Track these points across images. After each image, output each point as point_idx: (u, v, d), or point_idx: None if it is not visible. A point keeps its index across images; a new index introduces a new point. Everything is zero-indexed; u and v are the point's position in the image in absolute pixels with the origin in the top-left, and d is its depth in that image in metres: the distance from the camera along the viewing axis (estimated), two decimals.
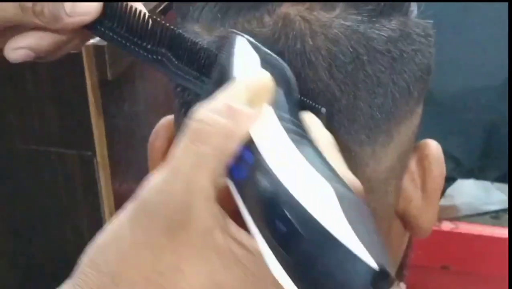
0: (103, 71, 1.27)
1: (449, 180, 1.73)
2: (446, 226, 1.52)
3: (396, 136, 0.44)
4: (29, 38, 0.43)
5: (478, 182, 2.01)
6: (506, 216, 1.89)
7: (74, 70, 1.28)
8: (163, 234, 0.34)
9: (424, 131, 0.48)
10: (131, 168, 1.42)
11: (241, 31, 0.41)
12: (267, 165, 0.33)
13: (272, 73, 0.37)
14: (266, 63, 0.38)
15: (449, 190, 1.88)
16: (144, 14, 0.42)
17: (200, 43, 0.41)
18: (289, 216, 0.32)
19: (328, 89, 0.41)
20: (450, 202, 2.04)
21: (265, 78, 0.36)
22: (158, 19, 0.42)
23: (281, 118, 0.36)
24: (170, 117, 0.48)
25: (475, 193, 2.11)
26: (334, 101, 0.41)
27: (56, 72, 1.30)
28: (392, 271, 0.32)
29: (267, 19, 0.41)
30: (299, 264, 0.32)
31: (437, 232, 1.53)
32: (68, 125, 1.34)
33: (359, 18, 0.41)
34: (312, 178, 0.33)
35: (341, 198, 0.32)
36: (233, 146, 0.34)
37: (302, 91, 0.40)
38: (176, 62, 0.41)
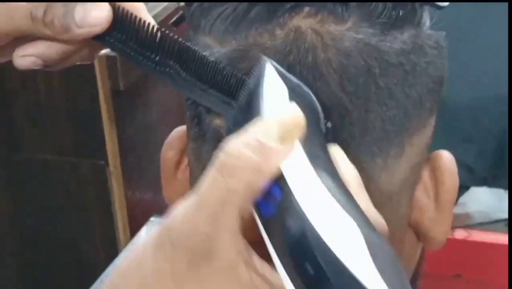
0: (115, 81, 1.28)
1: (462, 188, 1.72)
2: (459, 234, 1.52)
3: (408, 148, 0.44)
4: (37, 46, 0.43)
5: (491, 190, 2.00)
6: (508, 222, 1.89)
7: (87, 81, 1.29)
8: (186, 264, 0.34)
9: (437, 140, 0.48)
10: (144, 177, 1.43)
11: (253, 44, 0.41)
12: (297, 203, 0.33)
13: (300, 105, 0.37)
14: (294, 94, 0.38)
15: (462, 198, 1.87)
16: (153, 26, 0.42)
17: (208, 56, 0.41)
18: (318, 259, 0.32)
19: (340, 102, 0.41)
20: (463, 210, 2.03)
21: (297, 115, 0.36)
22: (167, 31, 0.42)
23: (310, 154, 0.36)
24: (182, 128, 0.48)
25: (488, 201, 2.11)
26: (345, 114, 0.41)
27: (69, 83, 1.31)
28: None
29: (278, 32, 0.41)
30: None
31: (450, 240, 1.52)
32: (81, 135, 1.35)
33: (371, 30, 0.41)
34: (341, 221, 0.33)
35: (370, 244, 0.32)
36: (262, 182, 0.34)
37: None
38: (184, 75, 0.42)
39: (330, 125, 0.40)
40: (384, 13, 0.41)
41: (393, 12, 0.41)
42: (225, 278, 0.34)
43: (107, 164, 1.35)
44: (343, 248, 0.32)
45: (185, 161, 0.49)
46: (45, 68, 0.46)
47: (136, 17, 0.41)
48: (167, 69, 0.41)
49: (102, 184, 1.37)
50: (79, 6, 0.41)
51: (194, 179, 0.45)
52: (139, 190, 1.42)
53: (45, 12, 0.42)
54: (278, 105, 0.37)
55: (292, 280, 0.33)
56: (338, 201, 0.34)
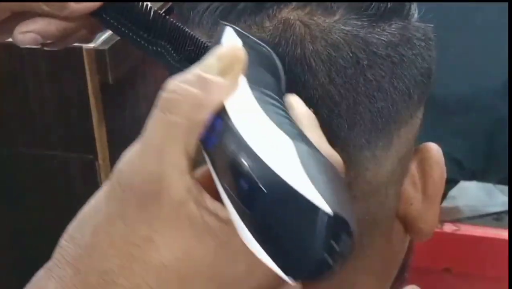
0: (104, 75, 1.28)
1: (452, 182, 1.73)
2: (448, 228, 1.53)
3: (396, 140, 0.44)
4: (37, 22, 0.44)
5: (480, 184, 2.01)
6: (508, 218, 1.90)
7: (75, 74, 1.29)
8: (136, 205, 0.34)
9: (427, 134, 0.48)
10: None
11: None
12: (234, 127, 0.33)
13: (257, 60, 0.37)
14: (251, 49, 0.38)
15: (452, 192, 1.88)
16: (147, 6, 0.43)
17: (200, 38, 0.42)
18: (250, 172, 0.32)
19: (328, 94, 0.41)
20: (452, 204, 2.04)
21: (236, 48, 0.36)
22: (160, 12, 0.43)
23: (257, 91, 0.36)
24: None
25: (478, 195, 2.12)
26: (334, 106, 0.41)
27: (57, 76, 1.31)
28: (355, 229, 0.32)
29: (267, 24, 0.41)
30: (263, 223, 0.33)
31: (439, 234, 1.53)
32: (69, 129, 1.35)
33: (359, 23, 0.41)
34: (275, 136, 0.33)
35: (301, 153, 0.33)
36: (204, 114, 0.34)
37: (302, 96, 0.41)
38: (175, 56, 0.42)
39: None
40: (372, 5, 0.41)
41: (381, 4, 0.42)
42: (175, 217, 0.34)
43: (96, 158, 1.35)
44: (273, 157, 0.32)
45: None
46: (45, 46, 0.47)
47: None
48: (159, 49, 0.42)
49: (91, 178, 1.37)
50: None
51: None
52: None
53: None
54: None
55: (233, 204, 0.33)
56: (274, 122, 0.34)
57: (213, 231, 0.34)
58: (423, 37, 0.44)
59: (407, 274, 0.54)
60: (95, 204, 0.36)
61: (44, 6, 0.43)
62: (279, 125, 0.34)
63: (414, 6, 0.44)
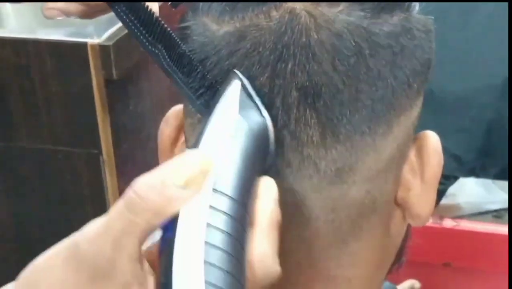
0: (108, 70, 1.29)
1: (451, 178, 1.74)
2: (448, 223, 1.54)
3: (396, 127, 0.45)
4: (60, 2, 0.52)
5: (479, 181, 2.02)
6: (508, 215, 1.91)
7: (80, 70, 1.30)
8: (88, 280, 0.37)
9: (426, 130, 0.50)
10: (137, 166, 1.44)
11: (249, 25, 0.43)
12: (172, 255, 0.37)
13: (244, 132, 0.40)
14: (245, 116, 0.41)
15: (451, 189, 1.89)
16: (151, 9, 0.45)
17: (187, 51, 0.45)
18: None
19: (332, 82, 0.42)
20: (452, 201, 2.05)
21: (206, 162, 0.39)
22: (159, 18, 0.46)
23: (218, 199, 0.38)
24: (179, 106, 0.50)
25: (477, 192, 2.13)
26: (336, 93, 0.42)
27: (62, 72, 1.32)
28: None
29: (274, 13, 0.43)
30: None
31: (439, 230, 1.54)
32: (74, 124, 1.36)
33: (362, 13, 0.43)
34: (192, 277, 0.36)
35: None
36: (161, 220, 0.38)
37: (306, 84, 0.42)
38: (168, 60, 0.44)
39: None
40: None
41: None
42: None
43: (100, 153, 1.36)
44: None
45: (182, 138, 0.50)
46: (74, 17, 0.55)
47: None
48: (156, 51, 0.45)
49: (96, 173, 1.38)
50: None
51: None
52: (132, 179, 1.43)
53: None
54: (219, 132, 0.40)
55: None
56: (208, 258, 0.37)
57: None
58: (423, 29, 0.45)
59: (404, 258, 0.55)
60: (53, 263, 0.39)
61: None
62: (208, 276, 0.37)
63: (416, 2, 0.45)
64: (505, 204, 2.05)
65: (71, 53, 1.29)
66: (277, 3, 0.43)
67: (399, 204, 0.49)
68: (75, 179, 1.40)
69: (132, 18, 0.44)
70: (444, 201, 1.91)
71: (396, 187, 0.48)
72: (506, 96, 1.64)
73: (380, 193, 0.47)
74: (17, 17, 1.48)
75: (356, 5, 0.43)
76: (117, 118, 1.36)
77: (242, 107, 0.42)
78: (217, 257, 0.37)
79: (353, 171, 0.45)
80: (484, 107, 1.66)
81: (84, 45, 1.28)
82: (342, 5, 0.43)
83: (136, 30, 0.45)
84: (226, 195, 0.38)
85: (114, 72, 1.28)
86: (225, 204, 0.38)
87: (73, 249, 0.38)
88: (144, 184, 0.38)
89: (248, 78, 0.43)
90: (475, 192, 2.17)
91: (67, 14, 0.52)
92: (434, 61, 0.47)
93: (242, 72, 0.42)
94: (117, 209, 0.38)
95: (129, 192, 0.38)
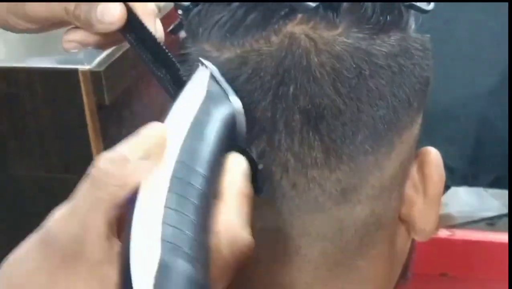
0: (100, 96, 1.29)
1: (444, 188, 1.74)
2: (443, 233, 1.54)
3: (397, 145, 0.46)
4: (78, 34, 0.51)
5: (471, 189, 2.03)
6: (501, 223, 1.91)
7: (72, 96, 1.30)
8: (59, 263, 0.38)
9: (421, 142, 0.50)
10: None
11: (250, 50, 0.43)
12: (130, 226, 0.37)
13: (213, 110, 0.41)
14: (211, 100, 0.41)
15: (444, 199, 1.89)
16: (154, 37, 0.48)
17: (182, 77, 0.46)
18: (121, 262, 0.37)
19: (333, 103, 0.43)
20: (445, 211, 2.06)
21: (159, 135, 0.39)
22: (163, 44, 0.48)
23: (181, 170, 0.39)
24: None
25: (469, 201, 2.13)
26: (339, 115, 0.43)
27: (54, 98, 1.32)
28: None
29: (274, 38, 0.43)
30: None
31: (434, 240, 1.53)
32: (67, 151, 1.36)
33: (361, 35, 0.43)
34: (150, 244, 0.36)
35: (161, 266, 0.36)
36: (125, 192, 0.38)
37: (308, 106, 0.43)
38: (173, 85, 0.46)
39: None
40: (372, 18, 0.44)
41: (381, 17, 0.44)
42: (90, 275, 0.37)
43: None
44: (136, 266, 0.36)
45: None
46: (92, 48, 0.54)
47: (143, 24, 0.48)
48: (162, 75, 0.47)
49: None
50: (100, 6, 0.48)
51: None
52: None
53: (75, 7, 0.49)
54: (183, 108, 0.41)
55: None
56: (165, 227, 0.37)
57: None
58: (420, 47, 0.46)
59: (409, 273, 0.56)
60: (26, 253, 0.39)
61: (75, 22, 0.50)
62: (164, 235, 0.37)
63: (411, 18, 0.46)
64: (497, 211, 2.05)
65: (62, 80, 1.30)
66: (277, 28, 0.43)
67: (403, 220, 0.49)
68: None
69: (141, 44, 0.47)
70: None
71: (400, 204, 0.49)
72: (492, 105, 1.65)
73: (385, 210, 0.47)
74: (6, 45, 1.48)
75: (354, 27, 0.43)
76: (111, 143, 1.35)
77: (208, 90, 0.42)
78: (176, 218, 0.37)
79: (358, 190, 0.45)
80: (473, 115, 1.67)
81: (75, 71, 1.28)
82: (341, 28, 0.43)
83: (144, 56, 0.47)
84: (188, 166, 0.39)
85: (106, 97, 1.29)
86: (187, 174, 0.38)
87: (44, 235, 0.38)
88: (106, 159, 0.38)
89: (251, 103, 0.43)
90: (467, 200, 2.18)
91: (86, 46, 0.52)
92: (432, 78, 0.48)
93: (244, 98, 0.43)
94: (82, 188, 0.38)
95: (92, 170, 0.38)
